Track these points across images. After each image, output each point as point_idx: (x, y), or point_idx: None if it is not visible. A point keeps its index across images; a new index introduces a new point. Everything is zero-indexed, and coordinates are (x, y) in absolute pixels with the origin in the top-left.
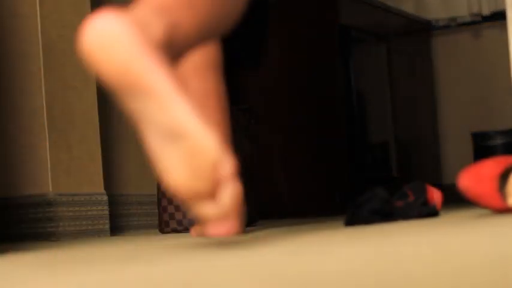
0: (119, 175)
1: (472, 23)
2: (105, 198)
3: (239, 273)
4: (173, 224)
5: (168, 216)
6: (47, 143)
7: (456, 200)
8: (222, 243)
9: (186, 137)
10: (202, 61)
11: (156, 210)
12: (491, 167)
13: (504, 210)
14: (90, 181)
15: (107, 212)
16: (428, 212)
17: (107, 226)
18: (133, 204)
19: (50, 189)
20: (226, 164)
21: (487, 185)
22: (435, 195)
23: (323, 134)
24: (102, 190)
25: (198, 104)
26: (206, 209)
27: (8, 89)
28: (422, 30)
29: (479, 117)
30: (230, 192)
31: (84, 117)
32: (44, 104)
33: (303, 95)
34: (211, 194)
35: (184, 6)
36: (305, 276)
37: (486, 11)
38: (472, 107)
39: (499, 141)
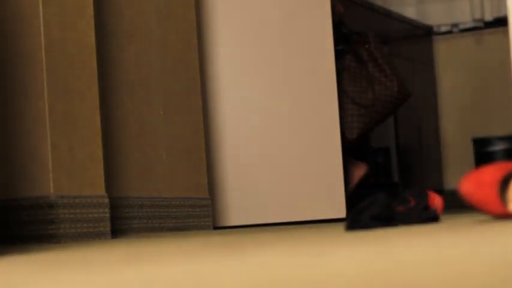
0: (121, 177)
1: (474, 29)
2: (107, 200)
3: (240, 275)
4: None
5: None
6: (49, 145)
7: (457, 205)
8: (223, 245)
9: None
10: None
11: (157, 214)
12: (492, 172)
13: (505, 216)
14: (92, 183)
15: (108, 215)
16: (429, 217)
17: (108, 229)
18: (135, 207)
19: (52, 191)
20: None
21: (487, 191)
22: (436, 201)
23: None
24: (104, 192)
25: None
26: None
27: (10, 91)
28: (424, 36)
29: (480, 123)
30: None
31: (86, 119)
32: (46, 106)
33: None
34: None
35: None
36: (305, 279)
37: (488, 17)
38: (473, 113)
39: (499, 147)
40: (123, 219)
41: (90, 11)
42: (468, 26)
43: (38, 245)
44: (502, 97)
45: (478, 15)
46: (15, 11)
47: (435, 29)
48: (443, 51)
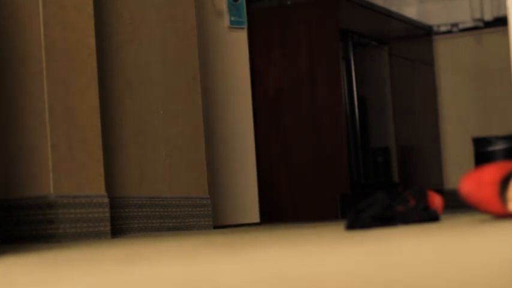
0: (120, 177)
1: (474, 29)
2: (106, 200)
3: (240, 274)
4: None
5: None
6: (49, 145)
7: (457, 205)
8: (223, 245)
9: None
10: None
11: (157, 213)
12: (492, 172)
13: (505, 216)
14: (91, 183)
15: (108, 214)
16: (429, 217)
17: (108, 228)
18: (134, 207)
19: (51, 191)
20: None
21: (487, 190)
22: (436, 200)
23: (324, 139)
24: (103, 192)
25: None
26: None
27: (10, 91)
28: (424, 35)
29: (480, 123)
30: None
31: (85, 119)
32: (46, 106)
33: (304, 99)
34: None
35: None
36: (306, 278)
37: (488, 17)
38: (473, 112)
39: (499, 146)
40: (123, 219)
41: (90, 11)
42: (468, 25)
43: (38, 245)
44: (502, 97)
45: (478, 15)
46: (15, 11)
47: (435, 29)
48: (443, 51)
